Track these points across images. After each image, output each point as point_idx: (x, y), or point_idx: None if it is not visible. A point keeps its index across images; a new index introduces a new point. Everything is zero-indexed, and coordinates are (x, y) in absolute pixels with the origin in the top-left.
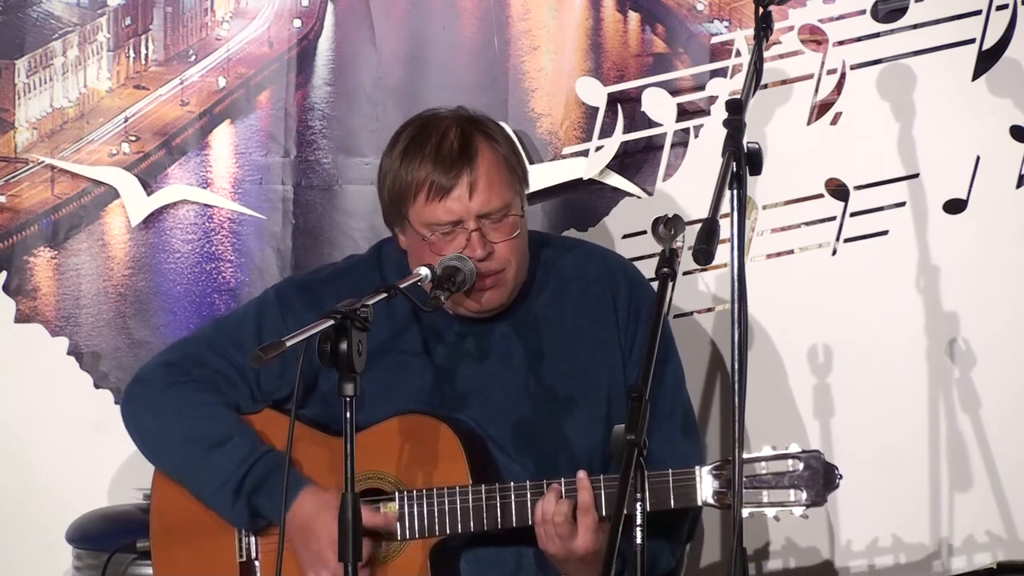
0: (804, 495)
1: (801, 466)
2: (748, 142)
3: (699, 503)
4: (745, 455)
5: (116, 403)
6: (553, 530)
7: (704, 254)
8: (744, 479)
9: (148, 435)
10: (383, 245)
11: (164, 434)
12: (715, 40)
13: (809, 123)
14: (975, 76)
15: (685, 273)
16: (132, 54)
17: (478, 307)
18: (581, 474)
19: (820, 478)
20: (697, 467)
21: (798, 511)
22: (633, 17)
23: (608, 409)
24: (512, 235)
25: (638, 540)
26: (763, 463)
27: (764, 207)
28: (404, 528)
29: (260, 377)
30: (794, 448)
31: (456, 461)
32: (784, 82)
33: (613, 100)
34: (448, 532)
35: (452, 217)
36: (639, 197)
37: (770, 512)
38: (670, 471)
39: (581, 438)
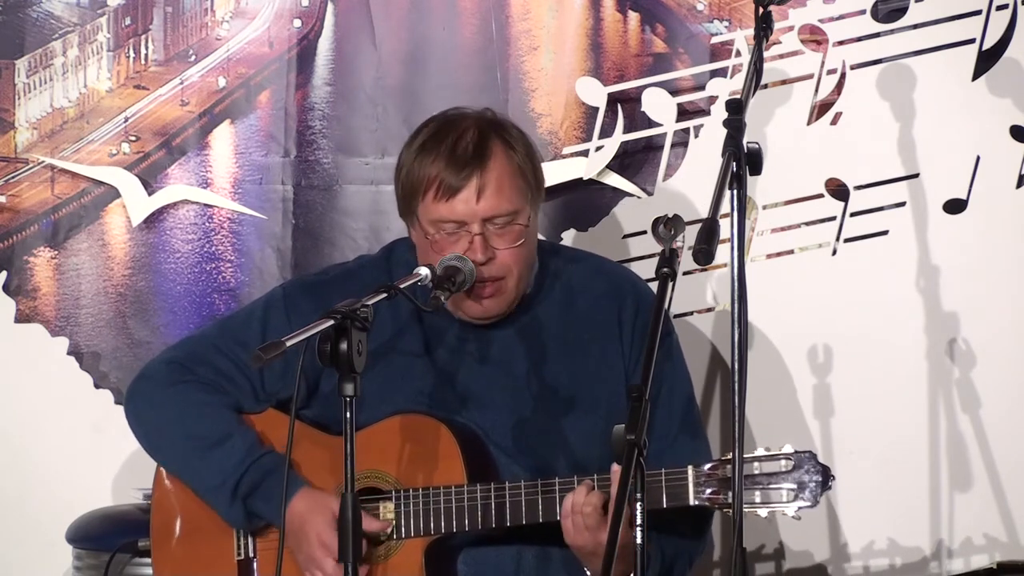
0: (796, 496)
1: (794, 466)
2: (748, 142)
3: (691, 502)
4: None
5: (116, 403)
6: (582, 521)
7: (704, 254)
8: (734, 482)
9: (150, 431)
10: (395, 246)
11: (165, 431)
12: (715, 40)
13: (809, 123)
14: (975, 76)
15: (685, 273)
16: (132, 54)
17: (476, 313)
18: (615, 466)
19: (813, 479)
20: (690, 467)
21: (790, 511)
22: (633, 17)
23: (605, 424)
24: (515, 243)
25: (638, 540)
26: (756, 463)
27: (764, 207)
28: (400, 527)
29: (263, 377)
30: (787, 448)
31: (453, 460)
32: (784, 82)
33: (613, 100)
34: (443, 531)
35: (457, 217)
36: (639, 197)
37: (762, 512)
38: (663, 470)
39: (580, 442)
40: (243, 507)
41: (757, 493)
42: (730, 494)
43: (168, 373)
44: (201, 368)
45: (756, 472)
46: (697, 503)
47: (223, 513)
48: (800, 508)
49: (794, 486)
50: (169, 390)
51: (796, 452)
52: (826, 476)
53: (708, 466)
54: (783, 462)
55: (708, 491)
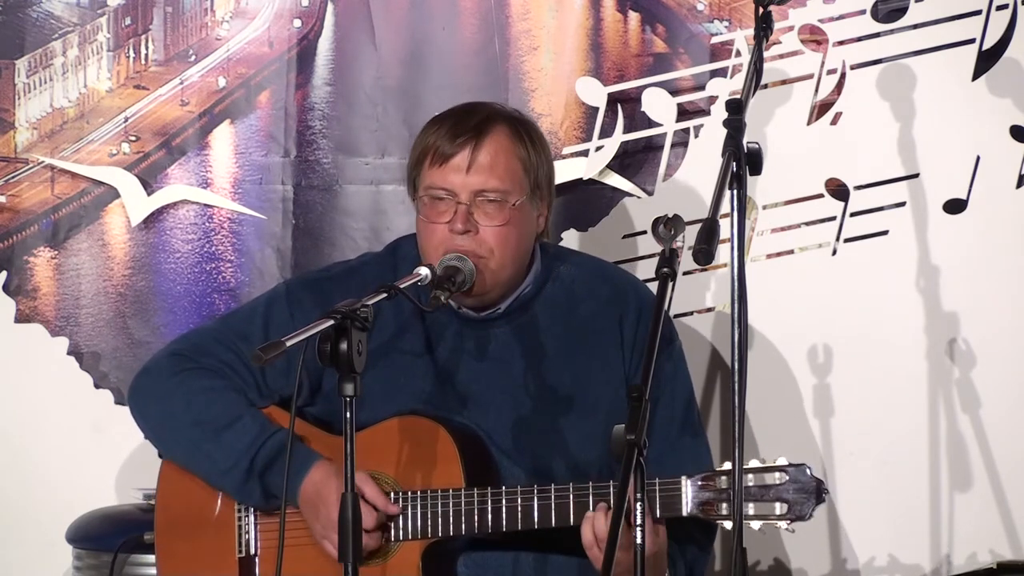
0: (789, 509)
1: (788, 479)
2: (748, 142)
3: (683, 513)
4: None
5: (116, 403)
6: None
7: (704, 254)
8: (731, 492)
9: (156, 423)
10: (399, 243)
11: (172, 420)
12: (715, 40)
13: (809, 123)
14: (975, 76)
15: (685, 273)
16: (132, 54)
17: (466, 300)
18: (602, 507)
19: (806, 492)
20: (683, 477)
21: (783, 524)
22: (633, 17)
23: (605, 426)
24: (500, 223)
25: (638, 540)
26: (750, 475)
27: (764, 207)
28: (398, 529)
29: (265, 374)
30: (781, 461)
31: (451, 463)
32: (784, 82)
33: (613, 100)
34: (440, 534)
35: (447, 186)
36: (639, 197)
37: (755, 525)
38: (656, 480)
39: (580, 444)
40: (259, 483)
41: (751, 506)
42: (723, 506)
43: (171, 364)
44: (204, 358)
45: (750, 484)
46: (690, 514)
47: (237, 494)
48: (793, 522)
49: (787, 500)
50: (173, 379)
51: (790, 465)
52: (820, 490)
53: (701, 477)
54: (777, 475)
55: (702, 503)
